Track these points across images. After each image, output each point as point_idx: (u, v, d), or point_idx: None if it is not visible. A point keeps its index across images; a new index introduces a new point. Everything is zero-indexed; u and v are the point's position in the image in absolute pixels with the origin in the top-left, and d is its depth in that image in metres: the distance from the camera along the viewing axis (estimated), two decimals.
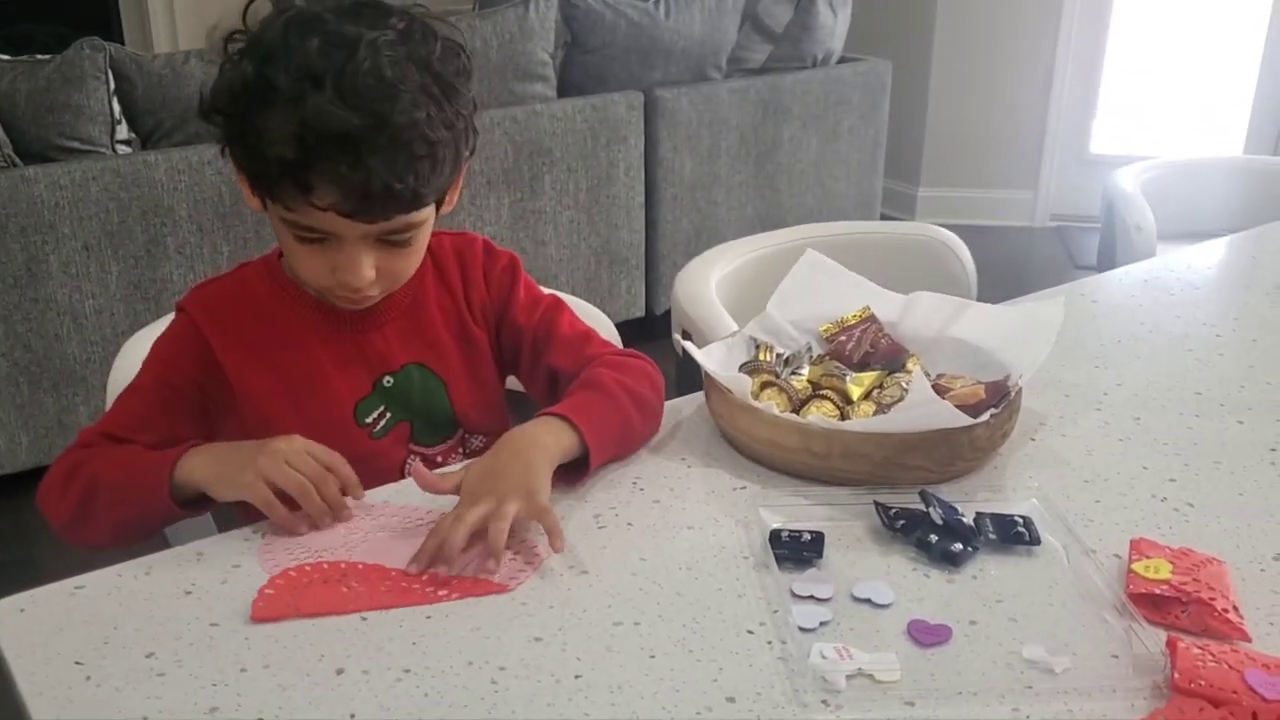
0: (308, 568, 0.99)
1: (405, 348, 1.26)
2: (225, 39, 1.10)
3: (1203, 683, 0.82)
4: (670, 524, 1.07)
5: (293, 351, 1.22)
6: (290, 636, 0.91)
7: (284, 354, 1.22)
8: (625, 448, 1.18)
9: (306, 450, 1.06)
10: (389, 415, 1.26)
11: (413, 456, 1.28)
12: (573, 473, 1.11)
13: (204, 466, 1.07)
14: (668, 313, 1.80)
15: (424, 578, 0.98)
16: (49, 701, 0.84)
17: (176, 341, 1.22)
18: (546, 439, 1.09)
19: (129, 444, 1.15)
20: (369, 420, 1.25)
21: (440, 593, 0.96)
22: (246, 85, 1.06)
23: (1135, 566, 0.96)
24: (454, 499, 1.04)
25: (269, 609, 0.94)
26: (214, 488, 1.06)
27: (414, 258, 1.18)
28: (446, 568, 0.97)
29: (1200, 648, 0.85)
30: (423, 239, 1.18)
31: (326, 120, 1.02)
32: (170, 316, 1.27)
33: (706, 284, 1.70)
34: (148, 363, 1.22)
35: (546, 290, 1.35)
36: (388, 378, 1.25)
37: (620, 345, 1.34)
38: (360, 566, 0.99)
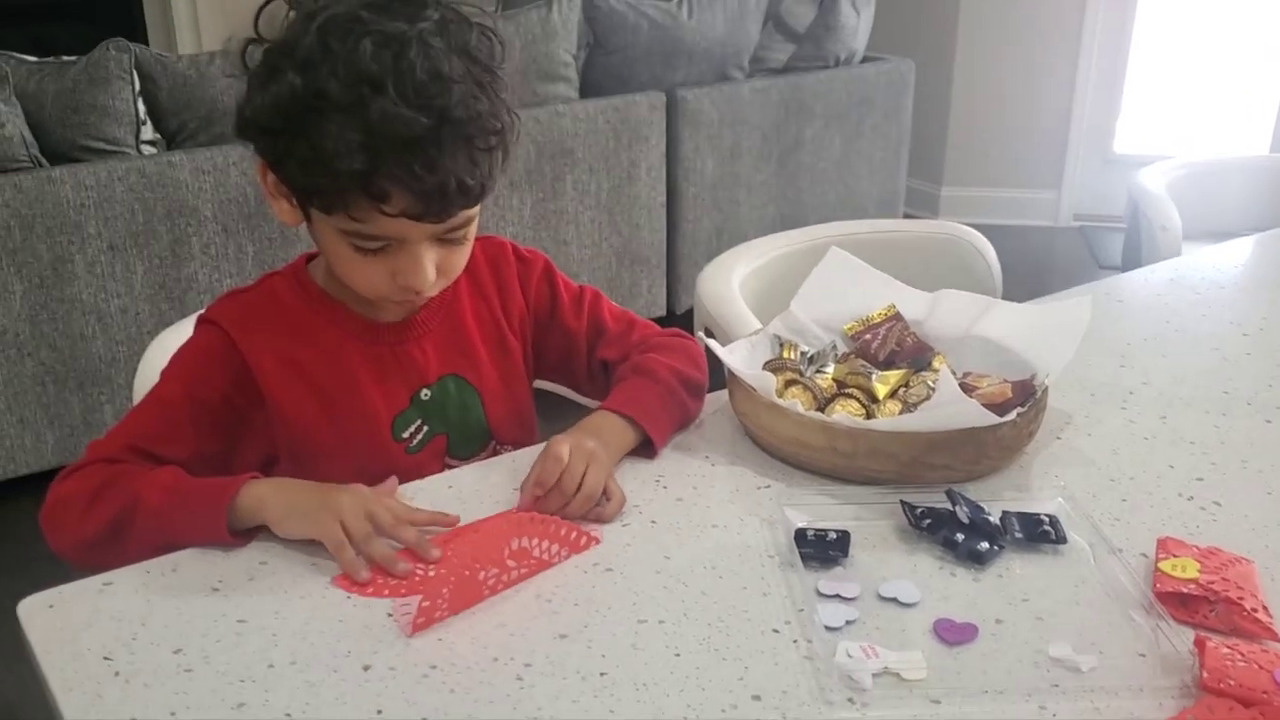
0: (432, 574, 0.98)
1: (441, 359, 1.24)
2: (242, 49, 1.06)
3: (1232, 682, 0.81)
4: (695, 522, 1.07)
5: (328, 365, 1.18)
6: (317, 634, 0.91)
7: (319, 368, 1.18)
8: (681, 425, 1.25)
9: (381, 507, 1.02)
10: (426, 429, 1.23)
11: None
12: (644, 449, 1.19)
13: (273, 500, 1.03)
14: (689, 312, 1.80)
15: (531, 548, 1.00)
16: (78, 697, 0.84)
17: (204, 354, 1.17)
18: (610, 437, 1.15)
19: (162, 461, 1.10)
20: (406, 435, 1.22)
21: (552, 555, 1.01)
22: (296, 97, 1.00)
23: (1162, 565, 0.96)
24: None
25: (425, 621, 0.92)
26: (283, 523, 1.02)
27: (468, 251, 1.16)
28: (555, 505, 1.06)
29: (1229, 647, 0.85)
30: (474, 231, 1.15)
31: (394, 124, 0.99)
32: (187, 323, 1.23)
33: (730, 282, 1.69)
34: (171, 375, 1.17)
35: (575, 283, 1.35)
36: (425, 390, 1.23)
37: None
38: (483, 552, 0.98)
